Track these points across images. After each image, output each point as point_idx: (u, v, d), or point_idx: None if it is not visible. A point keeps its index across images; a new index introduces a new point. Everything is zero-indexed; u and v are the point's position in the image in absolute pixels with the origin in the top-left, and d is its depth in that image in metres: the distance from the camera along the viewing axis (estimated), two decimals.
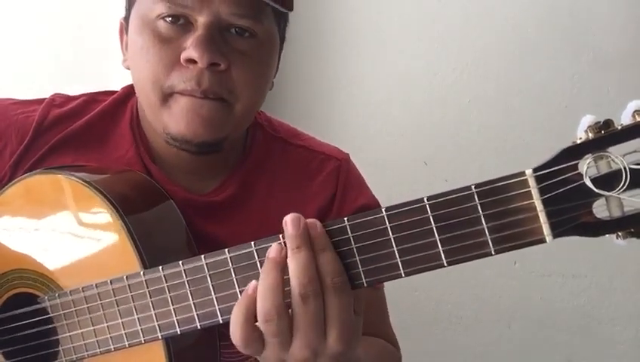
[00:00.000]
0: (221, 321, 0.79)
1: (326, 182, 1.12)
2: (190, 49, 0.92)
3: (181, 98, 0.94)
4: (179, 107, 0.94)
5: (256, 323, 0.73)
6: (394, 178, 1.92)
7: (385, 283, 1.03)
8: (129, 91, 1.11)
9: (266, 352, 0.74)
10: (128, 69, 1.02)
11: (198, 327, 0.81)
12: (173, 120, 0.95)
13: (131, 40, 0.99)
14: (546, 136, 1.85)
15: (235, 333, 0.74)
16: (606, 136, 0.63)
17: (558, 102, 1.88)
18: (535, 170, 0.65)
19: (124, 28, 1.04)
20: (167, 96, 0.95)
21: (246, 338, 0.73)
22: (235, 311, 0.74)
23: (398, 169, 1.94)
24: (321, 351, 0.73)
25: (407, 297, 1.95)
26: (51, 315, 0.91)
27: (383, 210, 0.71)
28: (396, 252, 0.70)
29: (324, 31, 2.00)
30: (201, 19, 0.93)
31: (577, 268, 1.92)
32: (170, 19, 0.94)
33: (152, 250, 0.87)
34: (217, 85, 0.93)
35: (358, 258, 0.72)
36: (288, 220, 0.73)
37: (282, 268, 0.72)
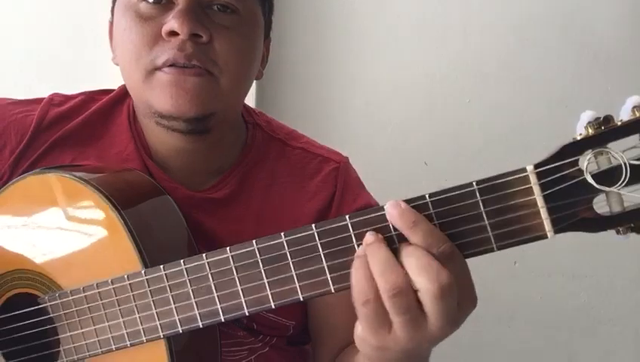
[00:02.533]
0: (223, 320, 0.79)
1: (324, 183, 1.12)
2: (171, 21, 0.92)
3: (163, 75, 0.94)
4: (161, 83, 0.94)
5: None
6: (394, 178, 1.91)
7: None
8: (126, 90, 1.11)
9: (396, 335, 0.70)
10: (118, 65, 1.03)
11: (200, 326, 0.80)
12: (156, 97, 0.95)
13: (115, 27, 1.00)
14: (547, 135, 1.85)
15: (362, 313, 0.71)
16: (606, 131, 0.63)
17: (558, 101, 1.89)
18: (536, 167, 0.66)
19: (111, 25, 1.05)
20: (149, 73, 0.95)
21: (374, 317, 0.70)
22: (357, 292, 0.70)
23: (398, 169, 1.94)
24: (456, 318, 0.70)
25: None
26: (52, 315, 0.91)
27: (384, 206, 0.71)
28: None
29: (323, 31, 2.00)
30: None
31: (577, 268, 1.92)
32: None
33: (152, 249, 0.87)
34: (201, 54, 0.94)
35: None
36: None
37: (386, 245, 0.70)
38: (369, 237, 0.70)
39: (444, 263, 0.68)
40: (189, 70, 0.94)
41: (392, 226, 0.70)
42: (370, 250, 0.70)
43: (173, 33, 0.93)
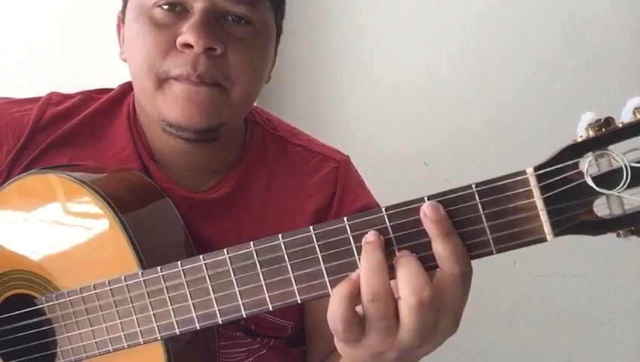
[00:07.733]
0: (220, 322, 0.79)
1: (324, 182, 1.12)
2: (186, 33, 0.92)
3: (176, 84, 0.94)
4: (173, 93, 0.94)
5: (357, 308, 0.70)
6: (394, 178, 1.91)
7: None
8: (125, 89, 1.11)
9: (368, 340, 0.70)
10: (125, 61, 1.02)
11: (198, 328, 0.80)
12: (168, 106, 0.95)
13: (127, 29, 1.00)
14: (547, 136, 1.84)
15: (335, 315, 0.70)
16: (607, 134, 0.62)
17: (558, 101, 1.88)
18: (536, 169, 0.65)
19: (120, 21, 1.05)
20: (162, 82, 0.95)
21: (347, 320, 0.69)
22: (336, 294, 0.70)
23: (398, 169, 1.93)
24: (429, 337, 0.70)
25: None
26: (49, 316, 0.91)
27: (383, 209, 0.70)
28: (397, 251, 0.70)
29: (323, 30, 2.00)
30: (197, 5, 0.93)
31: (577, 268, 1.92)
32: (166, 6, 0.95)
33: (150, 250, 0.86)
34: (213, 69, 0.94)
35: (356, 257, 0.71)
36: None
37: (384, 249, 0.69)
38: (369, 236, 0.70)
39: (455, 284, 0.68)
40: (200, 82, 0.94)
41: (391, 229, 0.70)
42: (365, 249, 0.69)
43: (188, 45, 0.92)
